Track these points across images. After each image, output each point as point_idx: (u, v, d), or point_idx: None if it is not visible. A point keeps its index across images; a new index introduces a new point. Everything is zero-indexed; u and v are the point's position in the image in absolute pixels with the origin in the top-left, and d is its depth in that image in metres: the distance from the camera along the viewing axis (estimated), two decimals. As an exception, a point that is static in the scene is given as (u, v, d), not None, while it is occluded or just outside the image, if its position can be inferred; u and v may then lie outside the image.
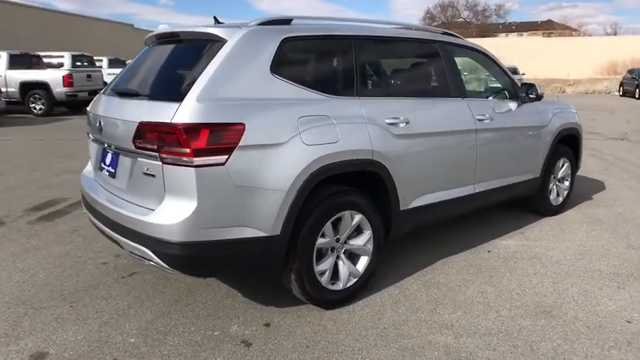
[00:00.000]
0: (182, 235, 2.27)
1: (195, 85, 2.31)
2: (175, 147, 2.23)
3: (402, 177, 2.98)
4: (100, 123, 2.73)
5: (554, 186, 4.61)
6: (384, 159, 2.86)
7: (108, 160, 2.80)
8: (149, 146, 2.33)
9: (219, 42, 2.49)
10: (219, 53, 2.41)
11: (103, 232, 2.80)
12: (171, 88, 2.50)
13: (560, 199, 4.72)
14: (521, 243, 3.95)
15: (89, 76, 14.31)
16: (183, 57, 2.71)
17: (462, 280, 3.26)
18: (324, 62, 2.95)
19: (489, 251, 3.77)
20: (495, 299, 2.99)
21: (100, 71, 15.29)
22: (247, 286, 3.11)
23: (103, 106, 2.83)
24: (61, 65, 15.07)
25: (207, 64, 2.39)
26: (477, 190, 3.64)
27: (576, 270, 3.42)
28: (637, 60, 33.06)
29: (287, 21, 2.75)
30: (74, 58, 15.50)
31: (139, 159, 2.43)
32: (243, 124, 2.32)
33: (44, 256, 3.64)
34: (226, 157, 2.28)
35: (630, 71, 24.63)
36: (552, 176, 4.53)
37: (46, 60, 15.04)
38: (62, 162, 7.22)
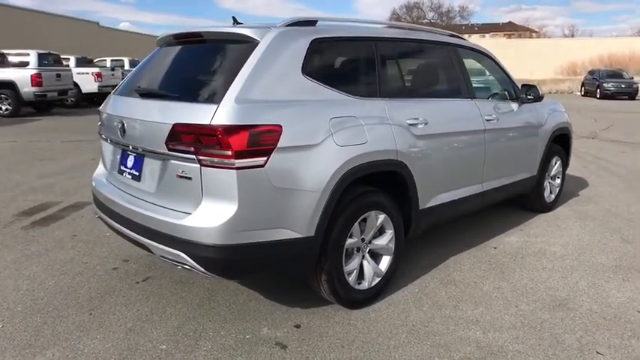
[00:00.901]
0: (221, 238, 2.24)
1: (232, 86, 2.29)
2: (215, 149, 2.20)
3: (422, 176, 3.04)
4: (122, 124, 2.66)
5: (548, 183, 4.78)
6: (407, 159, 2.91)
7: (130, 163, 2.73)
8: (185, 148, 2.29)
9: (251, 43, 2.47)
10: (253, 54, 2.40)
11: (125, 235, 2.73)
12: (206, 90, 2.47)
13: (553, 196, 4.91)
14: (524, 239, 4.08)
15: (59, 76, 13.82)
16: (211, 58, 2.67)
17: (475, 276, 3.35)
18: (350, 63, 2.97)
19: (495, 248, 3.89)
20: (512, 294, 3.08)
21: (70, 71, 14.77)
22: (267, 287, 3.10)
23: (125, 107, 2.76)
24: (25, 64, 14.44)
25: (241, 65, 2.37)
26: (484, 189, 3.75)
27: (580, 264, 3.57)
28: (595, 61, 34.60)
29: (312, 22, 2.76)
30: (40, 57, 14.89)
31: (172, 161, 2.38)
32: (280, 126, 2.32)
33: (48, 262, 3.51)
34: (265, 158, 2.27)
35: (591, 72, 25.76)
36: (546, 174, 4.70)
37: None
38: (41, 165, 6.96)
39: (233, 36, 2.57)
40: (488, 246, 3.92)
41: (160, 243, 2.42)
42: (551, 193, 4.87)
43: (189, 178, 2.30)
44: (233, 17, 3.01)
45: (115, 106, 2.89)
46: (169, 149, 2.36)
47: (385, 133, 2.80)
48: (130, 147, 2.65)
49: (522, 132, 4.14)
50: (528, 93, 4.19)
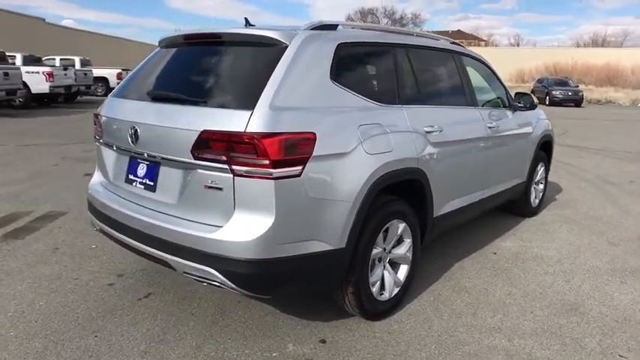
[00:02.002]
0: (257, 252, 2.11)
1: (264, 91, 2.16)
2: (250, 158, 2.07)
3: (437, 184, 3.02)
4: (134, 130, 2.46)
5: (533, 189, 4.93)
6: (425, 166, 2.88)
7: (141, 172, 2.54)
8: (214, 157, 2.14)
9: (279, 46, 2.35)
10: (283, 58, 2.28)
11: (136, 250, 2.53)
12: (234, 94, 2.32)
13: (537, 201, 5.06)
14: (519, 244, 4.17)
15: (6, 74, 12.92)
16: (235, 60, 2.52)
17: (485, 282, 3.37)
18: (372, 69, 2.91)
19: (495, 253, 3.94)
20: (524, 300, 3.12)
21: (19, 69, 13.84)
22: (280, 301, 2.97)
23: (136, 111, 2.55)
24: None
25: (271, 69, 2.25)
26: (485, 195, 3.79)
27: (578, 268, 3.68)
28: (541, 70, 36.46)
29: (334, 26, 2.68)
30: (-18, 54, 13.88)
31: (198, 171, 2.22)
32: (314, 134, 2.22)
33: (33, 279, 3.21)
34: (301, 168, 2.16)
35: (539, 80, 27.10)
36: (532, 180, 4.84)
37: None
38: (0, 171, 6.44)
39: (258, 38, 2.44)
40: (487, 251, 3.97)
41: (184, 258, 2.25)
42: (535, 198, 5.01)
43: (220, 189, 2.15)
44: (245, 19, 2.88)
45: (122, 110, 2.68)
46: (196, 158, 2.20)
47: (407, 141, 2.76)
48: (145, 154, 2.46)
49: (516, 139, 4.24)
50: (522, 101, 4.30)
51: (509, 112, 4.14)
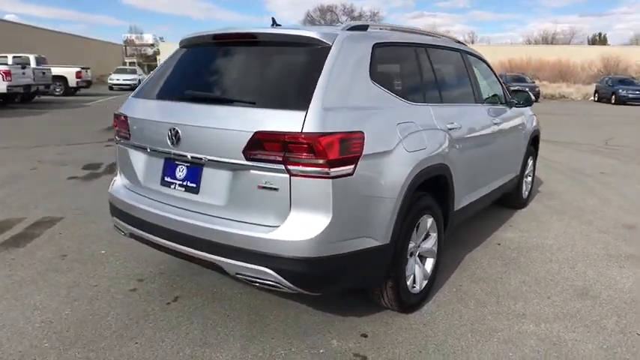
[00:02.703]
0: (315, 250, 2.15)
1: (316, 92, 2.20)
2: (308, 158, 2.10)
3: (458, 179, 3.14)
4: (175, 132, 2.42)
5: (524, 182, 5.16)
6: (450, 163, 2.99)
7: (180, 174, 2.51)
8: (270, 157, 2.15)
9: (322, 47, 2.38)
10: (328, 58, 2.32)
11: (178, 253, 2.50)
12: (283, 95, 2.34)
13: (526, 193, 5.31)
14: (518, 235, 4.37)
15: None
16: (276, 60, 2.53)
17: (498, 272, 3.52)
18: (402, 68, 2.98)
19: (499, 244, 4.12)
20: (538, 287, 3.29)
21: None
22: (311, 299, 3.00)
23: (174, 112, 2.51)
24: None
25: (317, 70, 2.28)
26: (490, 189, 3.96)
27: (578, 255, 3.90)
28: (497, 66, 37.72)
29: (365, 27, 2.73)
30: None
31: (251, 172, 2.22)
32: (363, 133, 2.27)
33: (49, 288, 3.10)
34: (353, 166, 2.21)
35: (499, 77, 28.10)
36: (524, 173, 5.07)
37: None
38: (-24, 176, 6.11)
39: (299, 38, 2.46)
40: (491, 243, 4.14)
41: (237, 260, 2.25)
42: (525, 190, 5.26)
43: (275, 189, 2.17)
44: (272, 18, 2.89)
45: (156, 111, 2.63)
46: (248, 159, 2.20)
47: (435, 138, 2.86)
48: (189, 156, 2.42)
49: (514, 135, 4.43)
50: (517, 98, 4.50)
51: (507, 109, 4.33)
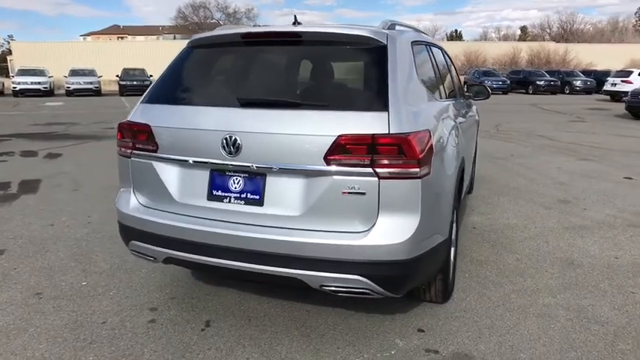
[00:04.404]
0: (408, 252, 2.13)
1: (390, 91, 2.17)
2: (398, 159, 2.07)
3: (464, 170, 3.34)
4: (231, 140, 2.21)
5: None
6: (464, 154, 3.16)
7: (236, 186, 2.29)
8: (355, 161, 2.08)
9: (377, 45, 2.35)
10: (388, 58, 2.30)
11: (237, 272, 2.30)
12: (356, 96, 2.27)
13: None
14: (484, 218, 4.75)
15: None
16: (332, 60, 2.42)
17: (491, 254, 3.81)
18: (427, 66, 3.02)
19: (474, 227, 4.45)
20: (532, 263, 3.63)
21: None
22: (342, 300, 2.95)
23: (225, 119, 2.27)
24: None
25: (382, 69, 2.26)
26: (470, 179, 4.25)
27: (542, 230, 4.38)
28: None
29: (394, 25, 2.75)
30: None
31: (333, 178, 2.12)
32: (430, 131, 2.30)
33: (49, 334, 2.63)
34: (430, 165, 2.23)
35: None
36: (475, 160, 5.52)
37: None
38: None
39: (350, 38, 2.39)
40: (467, 227, 4.45)
41: (322, 271, 2.13)
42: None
43: (362, 194, 2.10)
44: (295, 16, 2.76)
45: (202, 118, 2.35)
46: (330, 164, 2.10)
47: (459, 133, 3.00)
48: (254, 166, 2.22)
49: (473, 125, 4.80)
50: (478, 91, 4.85)
51: (467, 101, 4.67)
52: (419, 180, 2.12)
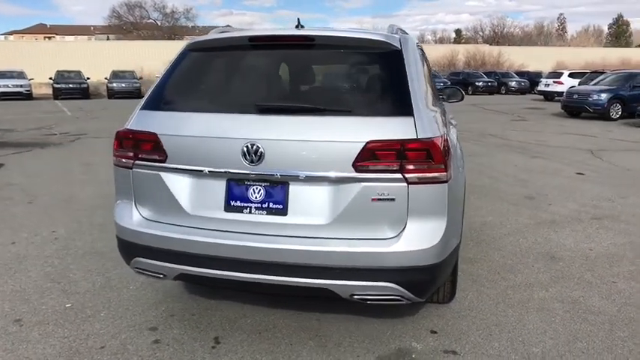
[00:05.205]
0: (437, 256, 2.15)
1: (412, 96, 2.17)
2: (426, 164, 2.08)
3: None
4: (253, 148, 2.12)
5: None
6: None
7: (257, 195, 2.20)
8: (385, 167, 2.06)
9: (392, 50, 2.35)
10: (406, 62, 2.30)
11: (259, 286, 2.21)
12: (380, 101, 2.24)
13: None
14: (462, 216, 4.90)
15: None
16: (348, 65, 2.39)
17: (478, 252, 3.93)
18: (426, 70, 3.04)
19: (455, 226, 4.57)
20: (518, 259, 3.78)
21: None
22: (345, 307, 2.93)
23: (245, 126, 2.17)
24: None
25: (399, 74, 2.26)
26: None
27: (518, 227, 4.57)
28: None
29: (397, 30, 2.75)
30: None
31: (362, 184, 2.08)
32: (446, 135, 2.33)
33: (42, 364, 2.40)
34: (451, 169, 2.26)
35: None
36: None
37: None
38: None
39: (365, 42, 2.37)
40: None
41: (353, 280, 2.10)
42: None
43: (392, 200, 2.08)
44: (298, 19, 2.71)
45: (219, 126, 2.24)
46: (359, 170, 2.06)
47: (457, 135, 3.06)
48: (278, 174, 2.14)
49: (456, 127, 4.93)
50: (451, 94, 4.97)
51: (445, 103, 4.79)
52: (445, 184, 2.14)
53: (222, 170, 2.22)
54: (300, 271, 2.13)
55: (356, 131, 2.09)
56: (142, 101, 2.50)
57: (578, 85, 18.81)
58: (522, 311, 2.94)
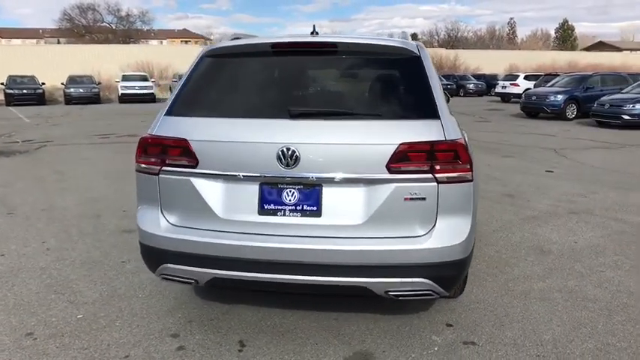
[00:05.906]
0: (465, 251, 2.27)
1: (436, 100, 2.30)
2: (454, 164, 2.20)
3: None
4: (289, 152, 2.18)
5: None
6: None
7: (291, 198, 2.25)
8: (416, 168, 2.17)
9: (411, 56, 2.46)
10: (425, 68, 2.42)
11: (296, 286, 2.28)
12: (408, 105, 2.35)
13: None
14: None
15: None
16: (372, 71, 2.47)
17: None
18: None
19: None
20: (511, 254, 3.98)
21: None
22: (352, 305, 3.02)
23: (279, 130, 2.24)
24: None
25: (421, 79, 2.38)
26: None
27: (505, 223, 4.80)
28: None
29: (407, 36, 2.87)
30: None
31: (395, 185, 2.18)
32: (465, 136, 2.46)
33: (67, 377, 2.35)
34: (474, 169, 2.38)
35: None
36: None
37: None
38: None
39: (387, 49, 2.47)
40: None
41: (388, 277, 2.19)
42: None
43: (423, 199, 2.19)
44: (313, 26, 2.77)
45: (253, 131, 2.28)
46: (392, 172, 2.16)
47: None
48: (313, 177, 2.21)
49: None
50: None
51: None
52: (471, 183, 2.26)
53: (257, 174, 2.26)
54: (337, 270, 2.20)
55: (387, 134, 2.19)
56: (165, 107, 2.50)
57: (534, 87, 19.74)
58: (526, 302, 3.12)
